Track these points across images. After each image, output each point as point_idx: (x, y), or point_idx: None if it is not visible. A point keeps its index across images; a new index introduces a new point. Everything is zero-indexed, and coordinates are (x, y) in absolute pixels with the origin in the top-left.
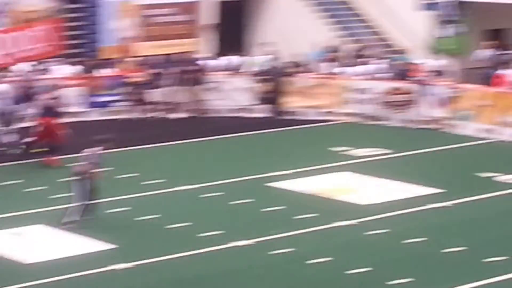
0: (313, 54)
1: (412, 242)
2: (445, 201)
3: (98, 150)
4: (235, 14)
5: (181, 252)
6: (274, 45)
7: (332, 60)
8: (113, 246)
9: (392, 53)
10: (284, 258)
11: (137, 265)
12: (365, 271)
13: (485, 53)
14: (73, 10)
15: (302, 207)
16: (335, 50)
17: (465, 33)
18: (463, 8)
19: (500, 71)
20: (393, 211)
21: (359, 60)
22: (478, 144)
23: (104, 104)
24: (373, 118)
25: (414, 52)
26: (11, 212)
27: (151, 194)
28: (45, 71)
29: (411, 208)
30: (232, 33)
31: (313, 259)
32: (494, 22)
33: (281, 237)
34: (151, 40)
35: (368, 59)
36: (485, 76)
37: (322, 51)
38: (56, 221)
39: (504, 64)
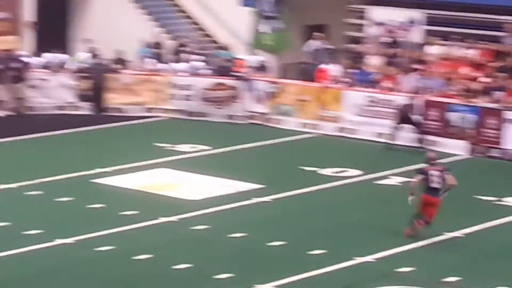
0: (136, 50)
1: (234, 237)
2: (267, 195)
3: None
4: (58, 11)
5: (1, 251)
6: (96, 42)
7: (155, 56)
8: None
9: (215, 49)
10: (108, 254)
11: None
12: (189, 267)
13: (307, 47)
14: None
15: (126, 203)
16: (158, 46)
17: (285, 29)
18: (282, 4)
19: (322, 66)
20: (215, 207)
21: (182, 56)
22: (300, 138)
23: None
24: (196, 114)
25: (236, 48)
26: None
27: None
28: None
29: (232, 203)
30: (55, 29)
31: (138, 255)
32: (314, 18)
33: (105, 234)
34: None
35: (190, 55)
36: (306, 70)
37: (145, 47)
38: None
39: (326, 59)
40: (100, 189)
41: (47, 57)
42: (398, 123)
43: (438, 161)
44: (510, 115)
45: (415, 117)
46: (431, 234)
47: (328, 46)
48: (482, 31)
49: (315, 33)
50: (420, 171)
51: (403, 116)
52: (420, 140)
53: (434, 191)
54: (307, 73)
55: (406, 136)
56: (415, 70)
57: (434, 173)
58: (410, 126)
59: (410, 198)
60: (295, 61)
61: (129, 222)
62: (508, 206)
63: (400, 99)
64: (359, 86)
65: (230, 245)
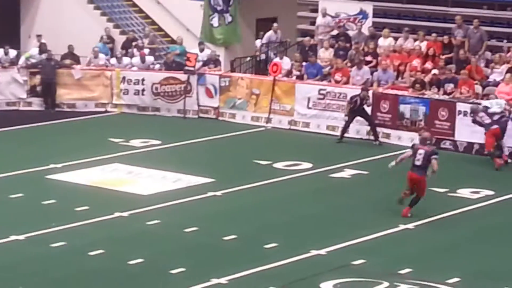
0: (89, 46)
1: (188, 232)
2: (220, 189)
3: None
4: (8, 6)
5: None
6: (47, 37)
7: (108, 51)
8: None
9: (166, 43)
10: (63, 250)
11: None
12: (143, 262)
13: (265, 39)
14: None
15: (79, 199)
16: (110, 41)
17: (236, 22)
18: None
19: (275, 59)
20: (168, 201)
21: (134, 51)
22: (253, 132)
23: None
24: (148, 108)
25: (187, 42)
26: None
27: None
28: None
29: (185, 198)
30: (5, 25)
31: (91, 251)
32: (265, 11)
33: (60, 230)
34: None
35: (143, 50)
36: (259, 64)
37: (97, 42)
38: None
39: (279, 53)
40: (53, 185)
41: None
42: (351, 115)
43: (430, 142)
44: (461, 106)
45: (367, 109)
46: (384, 226)
47: (281, 39)
48: (431, 23)
49: (274, 24)
50: (411, 147)
51: (356, 108)
52: (372, 133)
53: (417, 168)
54: (261, 66)
55: (358, 129)
56: (366, 62)
57: (421, 151)
58: (362, 118)
59: (391, 163)
60: (246, 55)
61: (82, 218)
62: (461, 197)
63: (352, 91)
64: (311, 79)
65: (184, 240)
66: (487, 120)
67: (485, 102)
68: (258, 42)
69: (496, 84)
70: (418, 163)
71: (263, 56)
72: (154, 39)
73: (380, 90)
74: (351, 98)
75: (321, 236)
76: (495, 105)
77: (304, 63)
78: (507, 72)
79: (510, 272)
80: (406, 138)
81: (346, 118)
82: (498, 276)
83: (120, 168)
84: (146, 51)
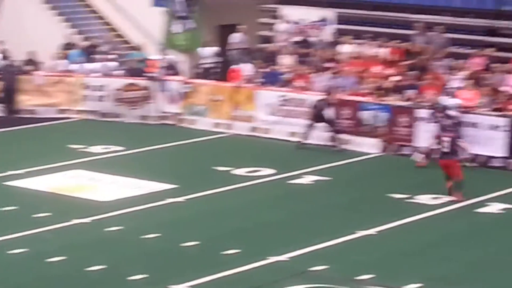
0: (49, 51)
1: (148, 238)
2: (180, 196)
3: None
4: None
5: None
6: (7, 43)
7: (82, 59)
8: None
9: (127, 49)
10: (22, 257)
11: None
12: (103, 268)
13: (210, 50)
14: None
15: (39, 205)
16: (71, 47)
17: (197, 29)
18: (194, 3)
19: (235, 66)
20: (128, 207)
21: (95, 57)
22: (214, 138)
23: None
24: (109, 115)
25: (148, 48)
26: None
27: None
28: None
29: (146, 204)
30: None
31: (51, 257)
32: (226, 18)
33: (19, 236)
34: None
35: (103, 56)
36: (213, 71)
37: (58, 48)
38: None
39: (241, 59)
40: (12, 191)
41: None
42: (312, 121)
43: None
44: (421, 113)
45: (328, 115)
46: (345, 232)
47: (242, 46)
48: (392, 30)
49: (239, 27)
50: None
51: (317, 114)
52: (333, 139)
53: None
54: (219, 73)
55: (319, 135)
56: (327, 69)
57: (445, 139)
58: (324, 124)
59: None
60: (207, 61)
61: (42, 225)
62: (420, 203)
63: (313, 98)
64: (272, 86)
65: (144, 246)
66: (444, 122)
67: (444, 101)
68: (206, 51)
69: (457, 90)
70: (446, 150)
71: (222, 63)
72: (116, 45)
73: (341, 96)
74: (313, 103)
75: (282, 242)
76: (452, 104)
77: (264, 70)
78: (468, 78)
79: (471, 277)
80: (366, 144)
81: (308, 123)
82: (459, 281)
83: (81, 175)
84: (107, 57)
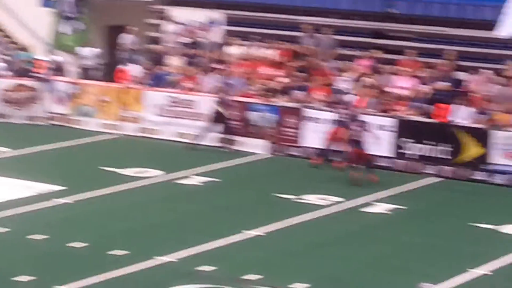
0: None
1: (35, 239)
2: (68, 197)
3: None
4: None
5: None
6: None
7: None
8: None
9: (14, 50)
10: None
11: None
12: None
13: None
14: None
15: None
16: None
17: (85, 29)
18: (83, 4)
19: (122, 66)
20: (15, 209)
21: None
22: (101, 139)
23: None
24: None
25: (36, 49)
26: None
27: None
28: None
29: (33, 205)
30: None
31: None
32: (115, 18)
33: None
34: None
35: None
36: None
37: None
38: None
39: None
40: None
41: None
42: (210, 123)
43: None
44: (308, 113)
45: (222, 116)
46: (233, 233)
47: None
48: (281, 31)
49: (128, 28)
50: None
51: (217, 116)
52: (224, 140)
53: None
54: (105, 73)
55: (210, 136)
56: (215, 70)
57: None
58: (222, 125)
59: None
60: (96, 62)
61: None
62: (307, 203)
63: (201, 99)
64: (159, 87)
65: (31, 248)
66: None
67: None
68: (85, 51)
69: (345, 91)
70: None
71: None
72: (2, 45)
73: (229, 97)
74: (214, 104)
75: (169, 243)
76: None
77: (152, 71)
78: (355, 80)
79: (359, 277)
80: (254, 145)
81: (207, 124)
82: (347, 281)
83: None
84: None
